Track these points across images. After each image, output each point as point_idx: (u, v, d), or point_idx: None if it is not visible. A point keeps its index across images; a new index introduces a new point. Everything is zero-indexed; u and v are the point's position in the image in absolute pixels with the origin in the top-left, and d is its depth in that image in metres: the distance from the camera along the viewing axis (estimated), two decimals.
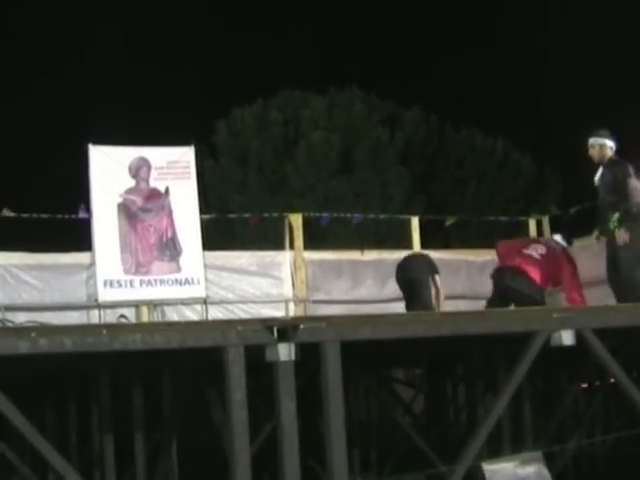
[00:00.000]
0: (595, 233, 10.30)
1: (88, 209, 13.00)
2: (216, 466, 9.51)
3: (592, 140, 10.13)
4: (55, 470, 6.72)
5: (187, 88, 31.17)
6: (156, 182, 13.35)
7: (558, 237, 10.85)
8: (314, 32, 33.63)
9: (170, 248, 13.27)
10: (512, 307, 9.88)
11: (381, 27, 35.81)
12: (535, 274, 10.06)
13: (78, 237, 13.62)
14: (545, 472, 8.42)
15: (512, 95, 30.19)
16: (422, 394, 13.69)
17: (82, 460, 10.61)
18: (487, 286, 10.81)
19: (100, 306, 12.78)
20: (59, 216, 13.49)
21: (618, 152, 10.20)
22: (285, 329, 6.83)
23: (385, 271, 13.81)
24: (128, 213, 13.16)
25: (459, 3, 34.92)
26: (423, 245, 14.51)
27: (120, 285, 12.88)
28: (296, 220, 14.29)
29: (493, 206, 24.15)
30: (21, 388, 8.20)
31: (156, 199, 13.35)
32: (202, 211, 13.92)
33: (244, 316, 13.15)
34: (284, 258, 14.23)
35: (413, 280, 12.71)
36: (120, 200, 13.14)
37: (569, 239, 10.81)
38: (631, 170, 9.93)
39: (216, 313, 13.49)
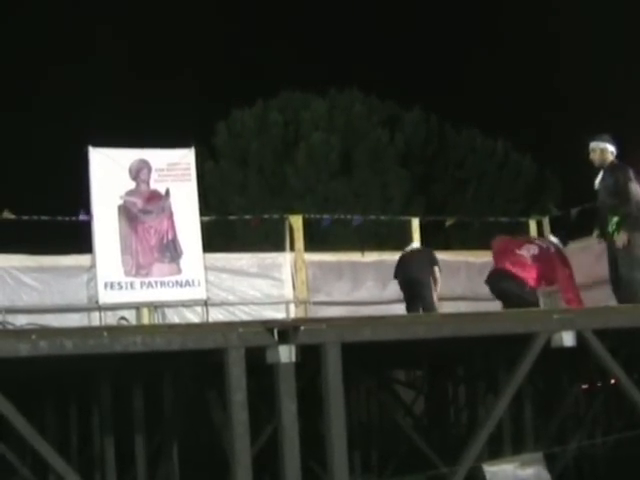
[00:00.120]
0: (596, 232, 10.30)
1: (88, 213, 13.02)
2: (217, 467, 9.49)
3: (593, 144, 10.14)
4: (56, 472, 6.71)
5: (187, 90, 31.15)
6: (156, 184, 13.37)
7: (553, 237, 10.86)
8: (314, 33, 33.64)
9: (170, 250, 13.28)
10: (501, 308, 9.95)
11: (381, 28, 35.82)
12: (526, 275, 10.07)
13: (79, 239, 13.63)
14: (545, 474, 8.43)
15: (512, 96, 30.19)
16: (423, 395, 13.67)
17: (83, 462, 10.60)
18: (487, 287, 10.81)
19: (101, 308, 12.81)
20: (59, 218, 13.48)
21: (619, 156, 10.21)
22: (286, 331, 6.83)
23: (386, 272, 13.81)
24: (128, 215, 13.17)
25: (459, 4, 34.94)
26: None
27: (121, 287, 12.89)
28: (296, 221, 14.31)
29: (493, 207, 24.14)
30: (22, 390, 8.21)
31: (156, 201, 13.36)
32: (202, 213, 13.94)
33: (245, 318, 13.16)
34: (285, 259, 14.23)
35: (414, 280, 12.73)
36: (120, 202, 13.15)
37: (565, 240, 10.82)
38: (632, 174, 9.94)
39: (217, 315, 13.50)
